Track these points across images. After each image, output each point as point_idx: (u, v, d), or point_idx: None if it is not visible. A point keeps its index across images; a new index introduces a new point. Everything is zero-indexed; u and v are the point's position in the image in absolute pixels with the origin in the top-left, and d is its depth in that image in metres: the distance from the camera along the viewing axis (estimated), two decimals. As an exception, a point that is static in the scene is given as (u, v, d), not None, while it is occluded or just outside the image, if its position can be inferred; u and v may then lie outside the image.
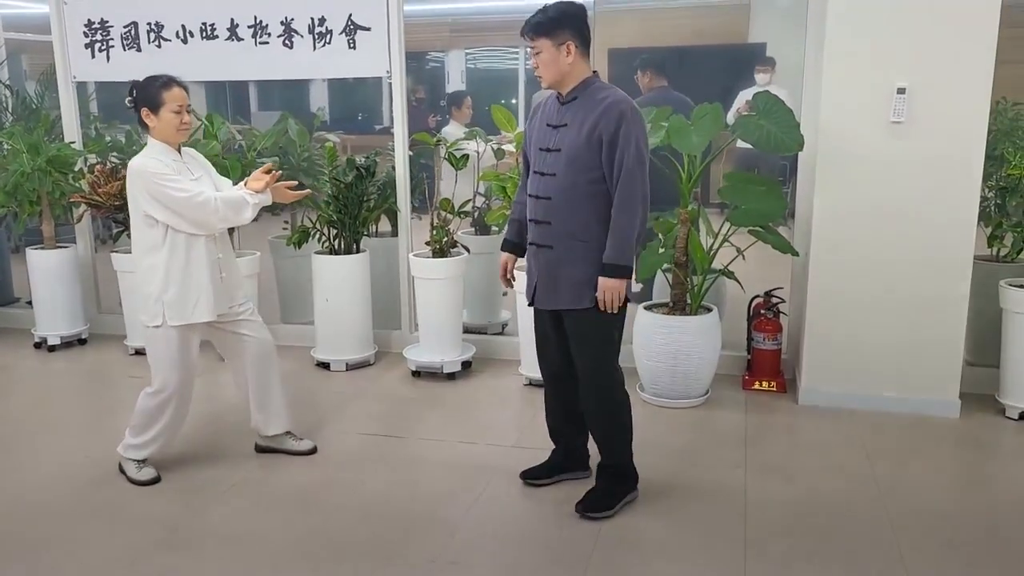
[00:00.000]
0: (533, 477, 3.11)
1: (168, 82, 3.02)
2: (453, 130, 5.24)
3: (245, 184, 3.14)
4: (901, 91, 3.51)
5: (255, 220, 5.79)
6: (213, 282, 3.09)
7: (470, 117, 5.67)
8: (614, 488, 2.91)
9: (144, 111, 3.01)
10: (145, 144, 3.11)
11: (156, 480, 3.16)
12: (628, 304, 2.81)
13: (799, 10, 4.06)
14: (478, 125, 5.12)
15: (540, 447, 3.24)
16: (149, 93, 3.00)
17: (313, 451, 3.42)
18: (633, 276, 2.74)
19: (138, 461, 3.18)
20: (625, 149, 2.61)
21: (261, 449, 3.43)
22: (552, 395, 3.08)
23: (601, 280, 2.69)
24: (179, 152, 3.10)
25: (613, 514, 2.85)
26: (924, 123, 3.55)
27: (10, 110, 5.52)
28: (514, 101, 8.96)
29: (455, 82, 9.41)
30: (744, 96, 5.64)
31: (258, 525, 2.86)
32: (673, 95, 4.60)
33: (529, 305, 2.92)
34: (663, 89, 4.73)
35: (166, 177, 2.96)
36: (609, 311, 2.71)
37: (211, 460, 3.36)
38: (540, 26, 2.66)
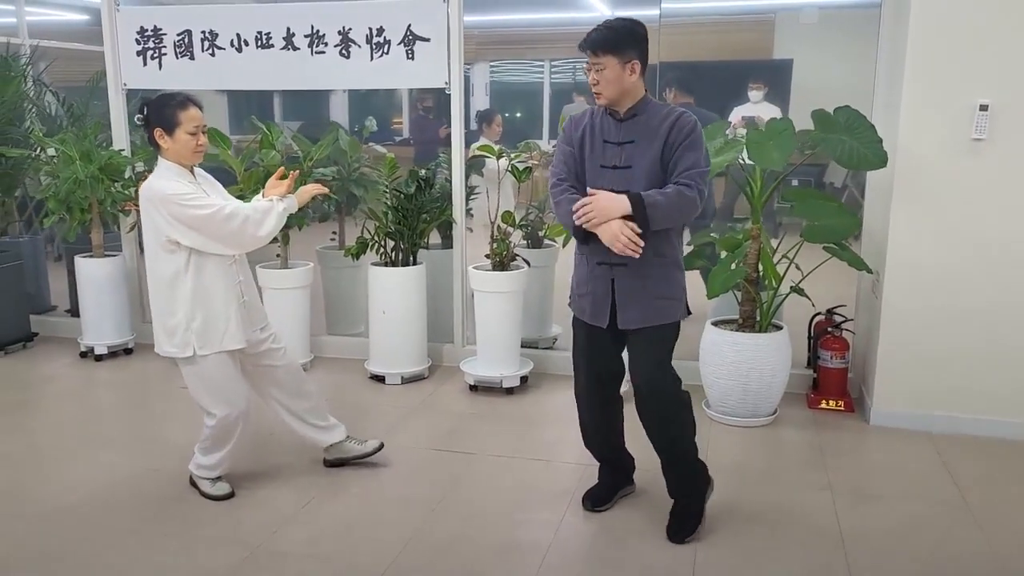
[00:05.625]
0: (600, 503, 3.02)
1: (184, 101, 2.84)
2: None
3: (262, 196, 3.01)
4: (984, 108, 3.46)
5: (299, 229, 5.60)
6: (238, 307, 2.96)
7: (500, 135, 5.65)
8: (693, 491, 2.84)
9: (158, 131, 2.82)
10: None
11: (231, 495, 3.08)
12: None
13: (824, 26, 4.00)
14: (504, 141, 5.06)
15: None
16: (164, 113, 2.81)
17: (380, 448, 3.35)
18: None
19: (212, 478, 3.10)
20: (697, 152, 2.62)
21: (330, 464, 3.34)
22: (597, 417, 2.95)
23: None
24: (192, 173, 2.94)
25: (704, 519, 2.81)
26: (1006, 141, 3.50)
27: (60, 115, 5.44)
28: (518, 114, 8.88)
29: (479, 94, 9.37)
30: (739, 112, 5.55)
31: (342, 546, 2.78)
32: (699, 112, 4.55)
33: (600, 327, 2.77)
34: (687, 106, 4.70)
35: (187, 196, 2.79)
36: (624, 241, 2.54)
37: (281, 475, 3.28)
38: (607, 43, 2.59)
